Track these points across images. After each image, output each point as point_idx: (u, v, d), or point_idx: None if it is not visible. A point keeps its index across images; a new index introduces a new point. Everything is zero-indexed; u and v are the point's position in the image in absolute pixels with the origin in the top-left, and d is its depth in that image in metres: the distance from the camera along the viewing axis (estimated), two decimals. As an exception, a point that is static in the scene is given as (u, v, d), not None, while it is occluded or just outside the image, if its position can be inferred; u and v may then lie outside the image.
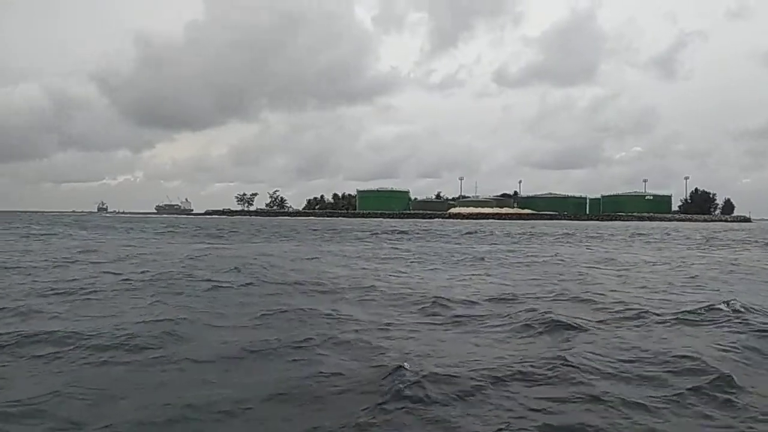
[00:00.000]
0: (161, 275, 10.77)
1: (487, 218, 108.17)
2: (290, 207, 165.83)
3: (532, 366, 4.71)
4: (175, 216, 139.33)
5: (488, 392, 4.11)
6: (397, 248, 22.02)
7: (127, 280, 10.11)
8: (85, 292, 8.76)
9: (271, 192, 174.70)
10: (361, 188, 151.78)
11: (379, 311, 7.48)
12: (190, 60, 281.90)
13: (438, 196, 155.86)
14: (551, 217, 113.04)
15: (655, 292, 9.35)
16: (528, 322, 6.53)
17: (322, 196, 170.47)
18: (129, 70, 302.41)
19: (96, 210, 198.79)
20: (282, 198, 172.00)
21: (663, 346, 5.43)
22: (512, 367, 4.69)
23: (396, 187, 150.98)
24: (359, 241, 27.34)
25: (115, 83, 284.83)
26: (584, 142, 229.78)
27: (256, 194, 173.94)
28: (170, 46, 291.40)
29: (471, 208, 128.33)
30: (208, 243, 23.99)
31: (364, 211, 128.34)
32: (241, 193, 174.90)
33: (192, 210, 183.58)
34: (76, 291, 8.82)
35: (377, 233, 37.01)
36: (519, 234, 39.35)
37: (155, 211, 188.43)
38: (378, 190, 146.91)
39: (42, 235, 29.37)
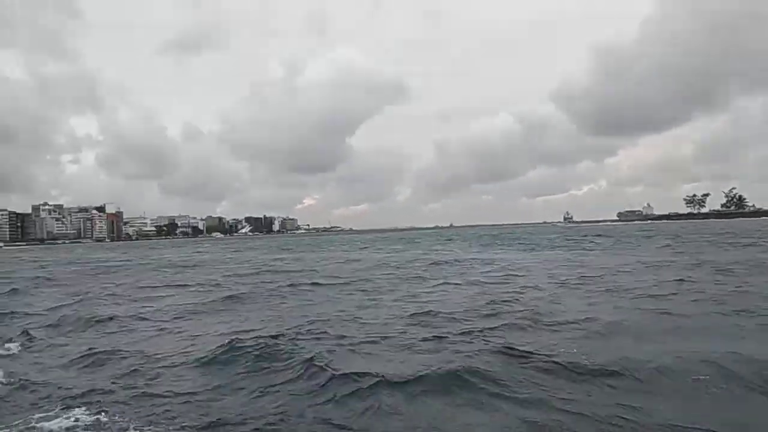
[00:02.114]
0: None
1: None
2: (752, 206, 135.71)
3: None
4: (631, 222, 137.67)
5: None
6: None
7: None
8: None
9: (726, 191, 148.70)
10: None
11: None
12: (646, 59, 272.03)
13: None
14: None
15: None
16: None
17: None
18: (584, 83, 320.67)
19: (562, 220, 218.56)
20: (740, 196, 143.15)
21: None
22: None
23: None
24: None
25: (573, 98, 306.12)
26: None
27: (707, 195, 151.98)
28: (624, 49, 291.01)
29: None
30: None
31: None
32: (691, 195, 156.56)
33: (653, 214, 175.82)
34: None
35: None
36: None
37: (616, 218, 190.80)
38: None
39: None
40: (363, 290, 16.30)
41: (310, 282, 18.86)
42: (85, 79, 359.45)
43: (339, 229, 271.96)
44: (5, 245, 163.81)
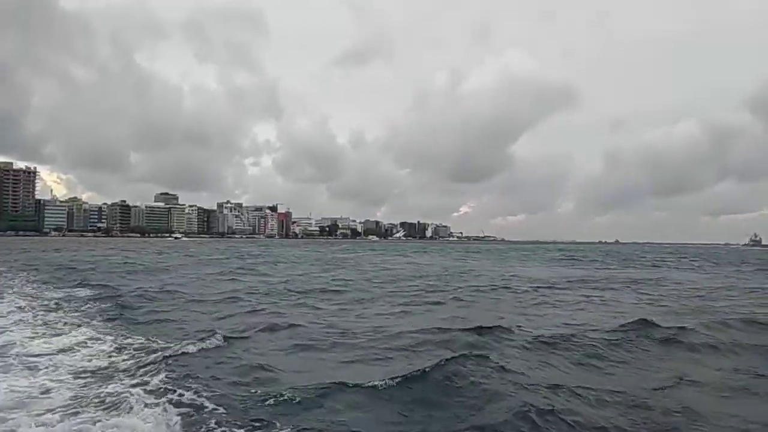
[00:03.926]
0: None
1: None
2: None
3: None
4: None
5: None
6: None
7: None
8: None
9: None
10: None
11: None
12: None
13: None
14: None
15: None
16: None
17: None
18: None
19: (748, 242, 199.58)
20: None
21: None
22: None
23: None
24: None
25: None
26: None
27: None
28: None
29: None
30: None
31: None
32: None
33: None
34: None
35: None
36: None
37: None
38: None
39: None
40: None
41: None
42: (267, 88, 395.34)
43: (492, 238, 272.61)
44: (183, 236, 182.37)
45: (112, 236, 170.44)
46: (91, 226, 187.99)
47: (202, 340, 8.61)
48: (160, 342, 8.89)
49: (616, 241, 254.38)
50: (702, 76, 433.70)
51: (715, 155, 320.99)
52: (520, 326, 10.52)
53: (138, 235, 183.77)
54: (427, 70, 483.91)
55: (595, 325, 10.73)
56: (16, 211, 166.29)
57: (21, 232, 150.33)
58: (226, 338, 8.91)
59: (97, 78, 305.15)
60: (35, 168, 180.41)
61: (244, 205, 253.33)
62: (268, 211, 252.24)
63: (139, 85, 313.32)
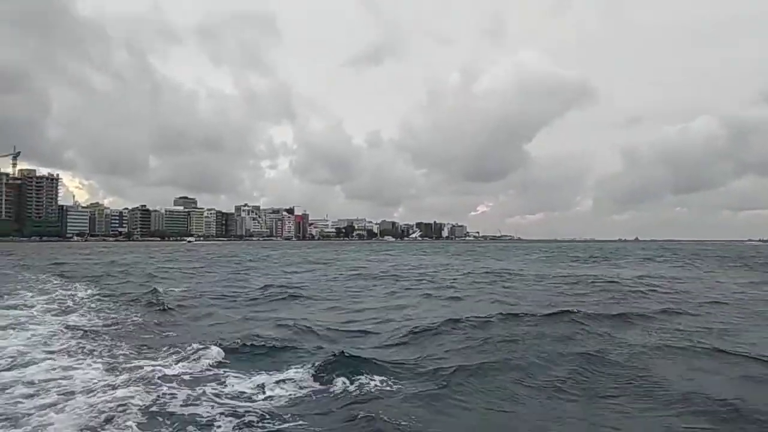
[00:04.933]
0: None
1: None
2: None
3: None
4: None
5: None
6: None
7: None
8: None
9: None
10: None
11: None
12: None
13: None
14: None
15: None
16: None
17: None
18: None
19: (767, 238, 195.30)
20: None
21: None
22: None
23: None
24: None
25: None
26: None
27: None
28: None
29: None
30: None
31: None
32: None
33: None
34: None
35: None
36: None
37: None
38: None
39: None
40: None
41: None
42: (282, 91, 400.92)
43: (509, 237, 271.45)
44: (195, 240, 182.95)
45: (133, 240, 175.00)
46: (112, 231, 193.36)
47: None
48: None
49: (636, 239, 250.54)
50: (719, 69, 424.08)
51: (735, 150, 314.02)
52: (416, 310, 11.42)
53: (158, 238, 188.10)
54: (442, 68, 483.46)
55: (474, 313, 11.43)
56: (40, 217, 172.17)
57: (45, 238, 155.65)
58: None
59: (114, 84, 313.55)
60: (57, 174, 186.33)
61: (261, 207, 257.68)
62: (285, 213, 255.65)
63: (155, 90, 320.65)
